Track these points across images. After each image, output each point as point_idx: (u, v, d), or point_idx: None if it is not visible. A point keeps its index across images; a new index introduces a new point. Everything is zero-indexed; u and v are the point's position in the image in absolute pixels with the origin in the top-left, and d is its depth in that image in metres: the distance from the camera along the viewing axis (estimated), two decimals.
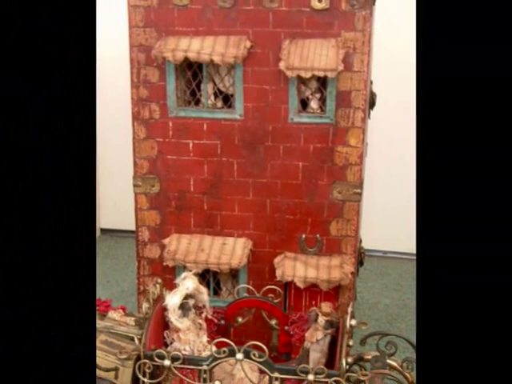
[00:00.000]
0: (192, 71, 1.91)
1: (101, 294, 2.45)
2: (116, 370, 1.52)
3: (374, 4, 1.81)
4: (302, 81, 1.84)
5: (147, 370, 1.51)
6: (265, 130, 1.89)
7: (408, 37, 2.48)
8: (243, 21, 1.82)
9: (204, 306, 1.70)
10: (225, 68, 1.88)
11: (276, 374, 1.47)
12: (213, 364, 1.49)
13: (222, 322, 1.77)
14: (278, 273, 1.91)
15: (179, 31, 1.85)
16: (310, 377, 1.46)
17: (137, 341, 1.58)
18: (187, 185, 1.97)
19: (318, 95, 1.87)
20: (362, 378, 1.53)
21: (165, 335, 1.65)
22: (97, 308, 1.67)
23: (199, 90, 1.92)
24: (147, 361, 1.50)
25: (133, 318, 1.65)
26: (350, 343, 1.54)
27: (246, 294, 1.84)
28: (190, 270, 1.81)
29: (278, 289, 1.82)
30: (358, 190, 1.91)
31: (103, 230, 3.25)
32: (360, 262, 2.17)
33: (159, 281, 1.67)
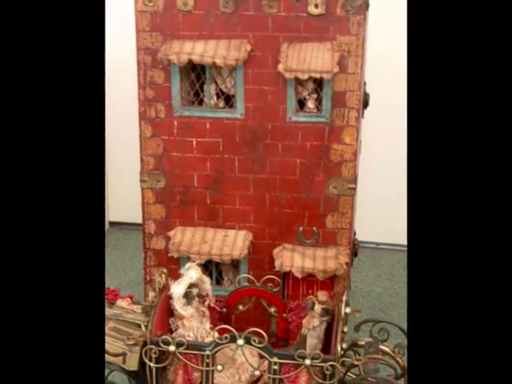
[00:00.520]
0: (196, 73, 1.91)
1: (109, 283, 2.44)
2: (124, 355, 1.52)
3: (367, 10, 1.81)
4: (299, 82, 1.84)
5: (153, 355, 1.50)
6: (264, 129, 1.89)
7: (399, 41, 2.47)
8: (244, 25, 1.82)
9: (207, 295, 1.70)
10: (226, 70, 1.87)
11: (275, 359, 1.47)
12: (215, 349, 1.49)
13: (224, 309, 1.77)
14: (277, 263, 1.91)
15: (183, 35, 1.85)
16: (307, 361, 1.46)
17: (143, 327, 1.58)
18: (191, 180, 1.97)
19: (314, 96, 1.87)
20: (356, 363, 1.54)
21: (170, 322, 1.65)
22: (106, 297, 1.67)
23: (202, 90, 1.92)
24: (153, 346, 1.50)
25: (140, 306, 1.65)
26: (345, 330, 1.54)
27: (246, 284, 1.83)
28: (194, 261, 1.81)
29: (277, 278, 1.82)
30: (353, 185, 1.90)
31: (112, 223, 3.25)
32: (354, 253, 2.17)
33: (164, 271, 1.67)
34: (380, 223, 2.97)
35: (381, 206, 2.94)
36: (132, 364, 1.53)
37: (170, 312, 1.65)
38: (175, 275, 1.70)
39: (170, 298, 1.63)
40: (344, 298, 1.57)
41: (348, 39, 1.79)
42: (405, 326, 1.44)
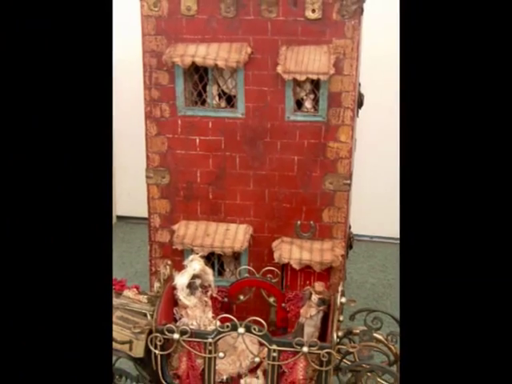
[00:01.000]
0: (198, 74, 1.91)
1: (116, 274, 2.43)
2: (130, 342, 1.52)
3: (361, 14, 1.80)
4: (297, 83, 1.84)
5: (158, 343, 1.51)
6: (264, 128, 1.88)
7: (392, 44, 2.47)
8: (244, 29, 1.82)
9: (209, 286, 1.71)
10: (228, 71, 1.87)
11: (274, 347, 1.47)
12: (217, 337, 1.49)
13: (226, 299, 1.77)
14: (276, 255, 1.91)
15: (187, 38, 1.85)
16: (305, 349, 1.46)
17: (149, 316, 1.58)
18: (194, 176, 1.97)
19: (311, 96, 1.87)
20: (351, 350, 1.54)
21: (174, 311, 1.65)
22: (113, 287, 1.67)
23: (205, 91, 1.92)
24: (158, 334, 1.50)
25: (145, 296, 1.65)
26: (341, 319, 1.54)
27: (247, 275, 1.83)
28: (197, 253, 1.81)
29: (276, 270, 1.82)
30: (348, 181, 1.90)
31: (119, 217, 3.25)
32: (349, 246, 2.17)
33: (169, 262, 1.67)
34: (374, 217, 2.97)
35: (375, 200, 2.93)
36: (138, 351, 1.53)
37: (174, 302, 1.65)
38: (179, 267, 1.70)
39: (174, 288, 1.63)
40: (340, 289, 1.56)
41: (343, 42, 1.79)
42: (397, 314, 1.45)
